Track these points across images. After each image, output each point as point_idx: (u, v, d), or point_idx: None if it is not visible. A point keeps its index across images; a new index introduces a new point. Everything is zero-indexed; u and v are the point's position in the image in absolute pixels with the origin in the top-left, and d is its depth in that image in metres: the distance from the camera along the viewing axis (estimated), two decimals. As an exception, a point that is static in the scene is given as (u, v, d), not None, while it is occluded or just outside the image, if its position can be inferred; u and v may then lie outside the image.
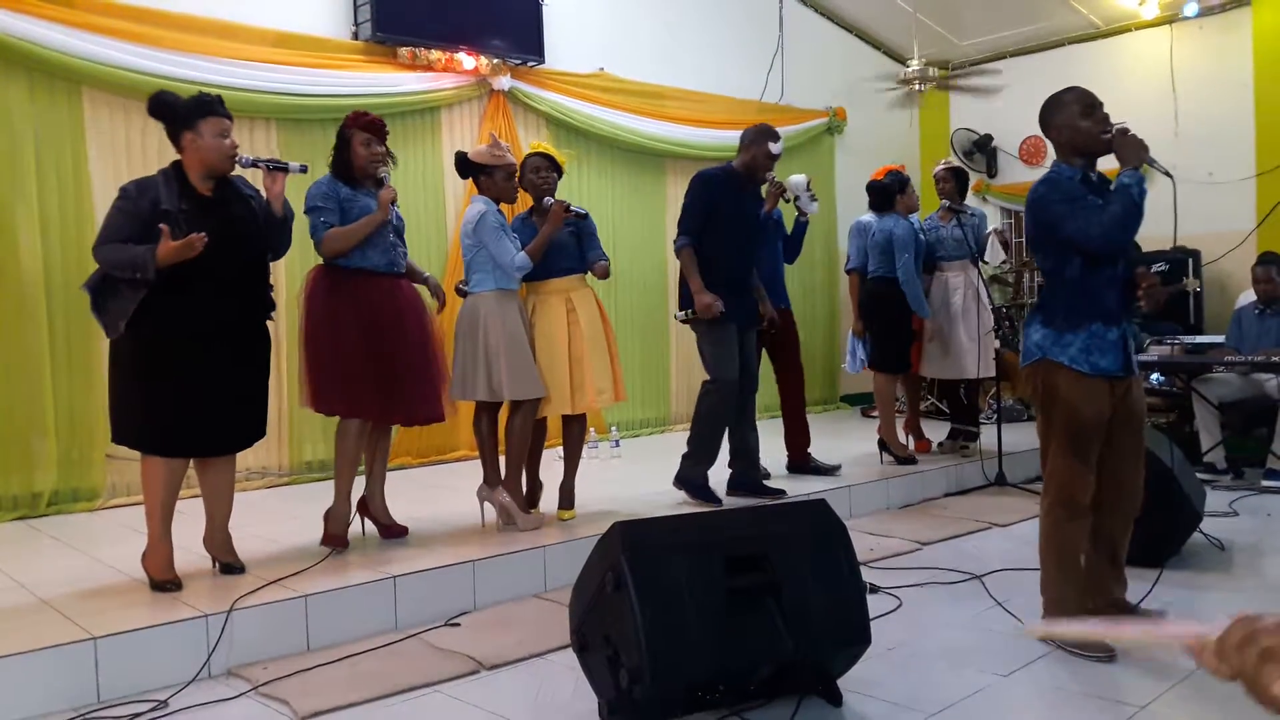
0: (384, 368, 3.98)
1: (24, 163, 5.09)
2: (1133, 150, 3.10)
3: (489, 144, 4.42)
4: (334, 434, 4.13)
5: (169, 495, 3.57)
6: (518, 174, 4.49)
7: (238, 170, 3.66)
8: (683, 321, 4.89)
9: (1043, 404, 3.26)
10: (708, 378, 4.90)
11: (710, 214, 4.80)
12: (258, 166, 3.69)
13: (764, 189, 5.48)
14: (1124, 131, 3.16)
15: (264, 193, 3.71)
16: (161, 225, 3.32)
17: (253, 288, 3.67)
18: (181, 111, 3.53)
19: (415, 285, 4.26)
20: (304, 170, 3.80)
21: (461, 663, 3.24)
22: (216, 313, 3.52)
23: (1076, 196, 3.14)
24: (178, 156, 3.59)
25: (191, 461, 3.67)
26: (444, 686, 3.08)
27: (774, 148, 4.86)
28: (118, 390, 3.57)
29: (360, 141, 4.04)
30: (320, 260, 4.05)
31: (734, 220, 4.86)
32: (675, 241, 4.86)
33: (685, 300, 4.86)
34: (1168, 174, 3.22)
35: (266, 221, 3.67)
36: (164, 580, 3.53)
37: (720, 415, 4.88)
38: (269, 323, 3.79)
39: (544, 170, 4.52)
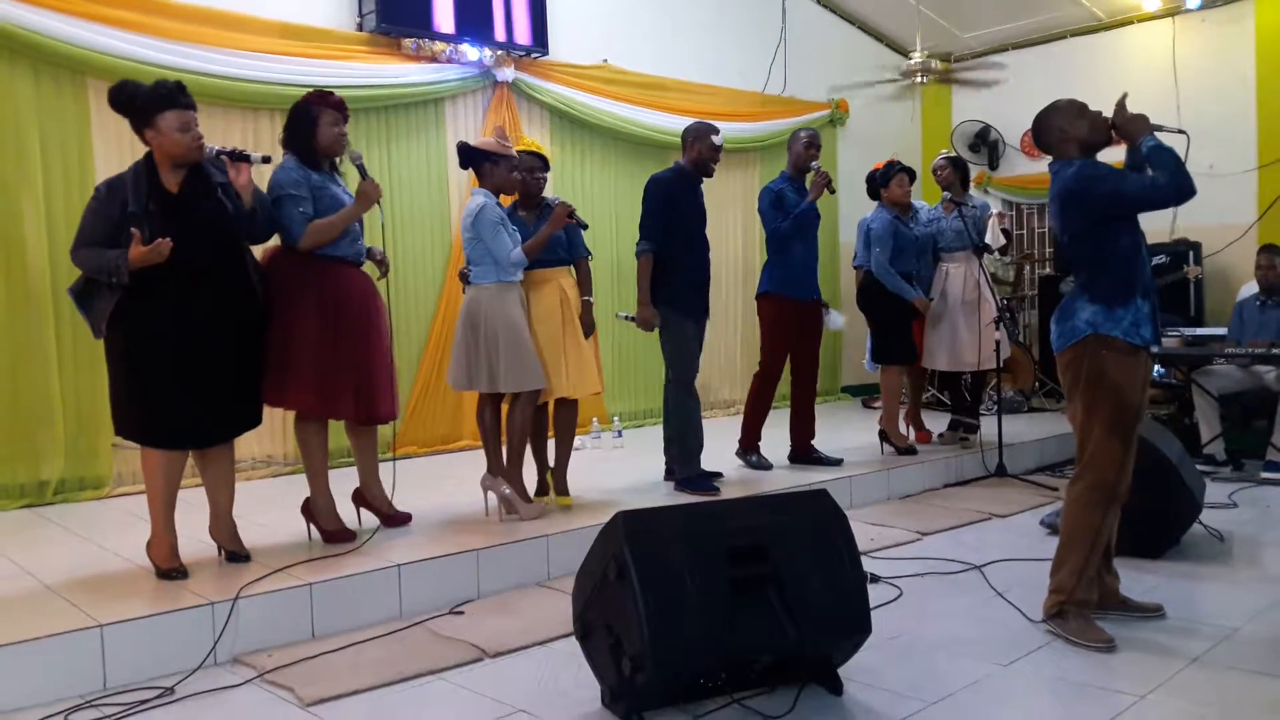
0: (342, 361, 3.86)
1: (29, 153, 5.11)
2: (1138, 124, 3.20)
3: (495, 135, 4.45)
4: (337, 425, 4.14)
5: (169, 486, 3.59)
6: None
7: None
8: (623, 319, 5.08)
9: (1086, 386, 3.26)
10: (668, 377, 4.98)
11: (670, 216, 4.87)
12: (220, 158, 3.63)
13: (808, 179, 5.47)
14: (1120, 113, 3.25)
15: (233, 182, 3.64)
16: (133, 230, 3.31)
17: (231, 279, 3.62)
18: (141, 105, 3.45)
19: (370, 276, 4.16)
20: (266, 161, 3.77)
21: (465, 650, 3.26)
22: (194, 307, 3.49)
23: (1121, 171, 3.23)
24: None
25: (191, 452, 3.69)
26: (448, 674, 3.10)
27: (715, 139, 4.98)
28: (113, 385, 3.59)
29: (329, 121, 3.91)
30: (280, 245, 3.92)
31: (692, 218, 4.99)
32: (637, 246, 4.90)
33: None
34: (1181, 131, 3.26)
35: (237, 212, 3.62)
36: (169, 569, 3.55)
37: (688, 408, 4.94)
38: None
39: (538, 170, 4.61)
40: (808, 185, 5.46)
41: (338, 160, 4.01)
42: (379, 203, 3.94)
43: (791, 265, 5.46)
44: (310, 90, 4.08)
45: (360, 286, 4.01)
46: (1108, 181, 3.21)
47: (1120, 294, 3.23)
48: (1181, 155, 3.12)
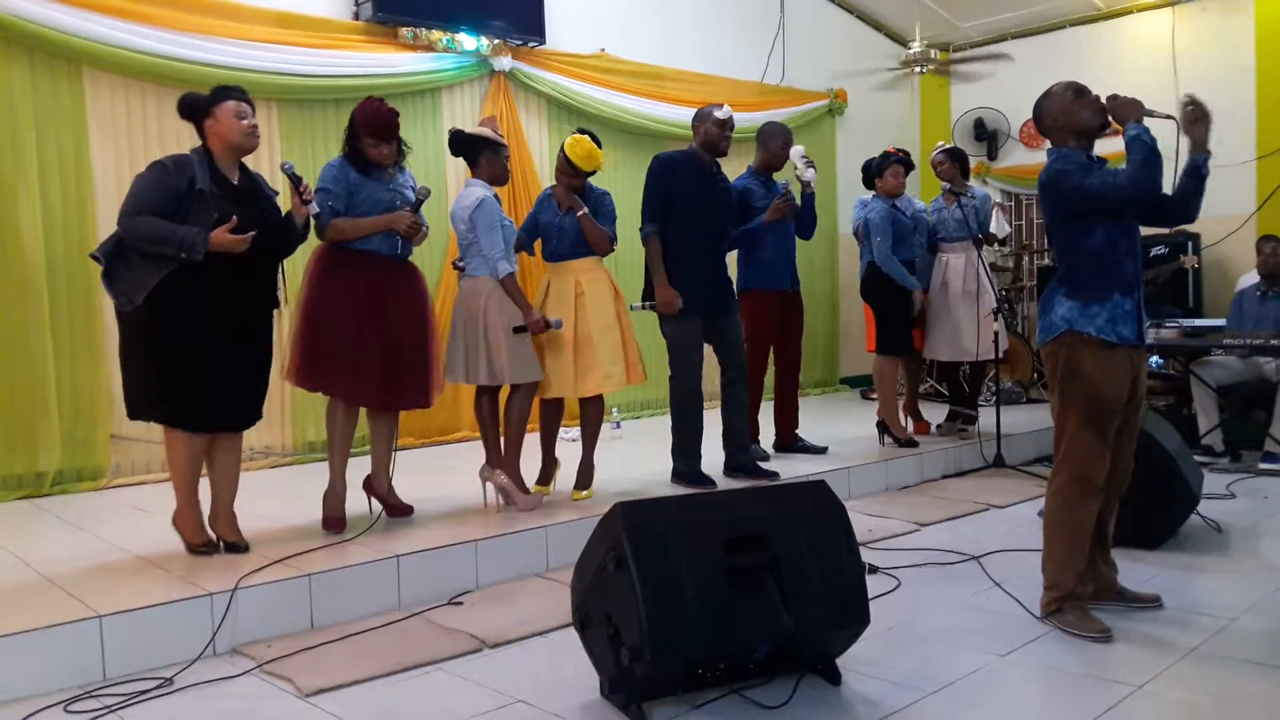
0: (372, 350, 3.96)
1: (25, 142, 5.08)
2: (1129, 108, 3.18)
3: (488, 125, 4.45)
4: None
5: (192, 467, 3.66)
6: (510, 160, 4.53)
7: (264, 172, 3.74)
8: (639, 309, 4.85)
9: (1063, 380, 3.27)
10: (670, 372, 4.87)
11: (671, 199, 4.75)
12: (292, 178, 3.73)
13: (780, 201, 5.45)
14: (1114, 97, 3.23)
15: (293, 207, 3.77)
16: (234, 216, 3.42)
17: (268, 274, 3.74)
18: (201, 105, 3.60)
19: (419, 269, 4.27)
20: (317, 214, 3.86)
21: (464, 641, 3.27)
22: (233, 296, 3.58)
23: (1090, 166, 3.21)
24: (185, 141, 3.68)
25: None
26: (446, 664, 3.11)
27: (719, 114, 4.84)
28: (133, 367, 3.60)
29: (369, 145, 4.01)
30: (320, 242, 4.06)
31: (699, 204, 4.79)
32: (641, 230, 4.78)
33: (650, 290, 4.83)
34: (1170, 116, 3.24)
35: (288, 226, 3.75)
36: (199, 544, 3.65)
37: (688, 404, 4.83)
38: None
39: (567, 175, 4.52)
40: (791, 178, 5.49)
41: (424, 196, 4.11)
42: (411, 237, 4.07)
43: (765, 258, 5.48)
44: (370, 96, 4.13)
45: (390, 277, 4.07)
46: (1074, 176, 3.18)
47: (1095, 289, 3.21)
48: (1173, 143, 3.10)
